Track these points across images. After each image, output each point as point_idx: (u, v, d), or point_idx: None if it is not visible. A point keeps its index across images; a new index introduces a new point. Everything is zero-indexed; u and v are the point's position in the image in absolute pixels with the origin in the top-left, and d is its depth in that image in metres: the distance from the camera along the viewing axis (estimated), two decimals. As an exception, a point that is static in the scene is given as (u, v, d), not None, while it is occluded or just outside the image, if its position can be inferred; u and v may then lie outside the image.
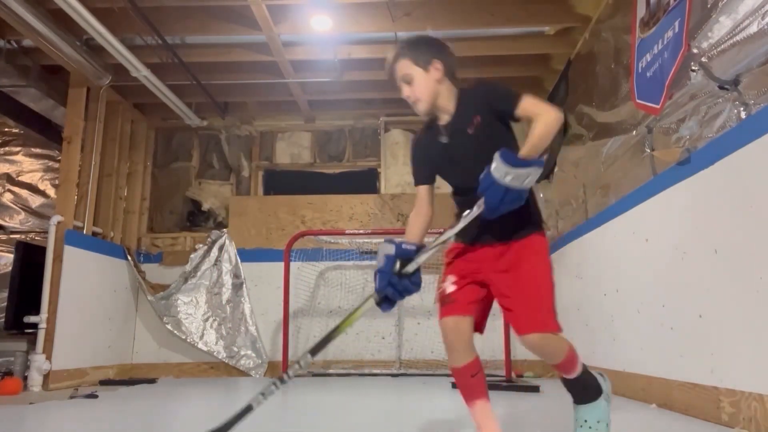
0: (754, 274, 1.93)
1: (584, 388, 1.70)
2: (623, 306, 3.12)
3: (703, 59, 2.25)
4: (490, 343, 4.29)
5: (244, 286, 5.02)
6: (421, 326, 4.78)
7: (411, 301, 4.84)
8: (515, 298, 1.61)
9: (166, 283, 5.03)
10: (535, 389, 3.56)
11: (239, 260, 5.08)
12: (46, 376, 3.78)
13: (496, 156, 1.42)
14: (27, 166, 5.95)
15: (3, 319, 4.34)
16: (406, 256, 1.56)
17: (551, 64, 4.54)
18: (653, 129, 2.79)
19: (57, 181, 4.97)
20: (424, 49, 1.69)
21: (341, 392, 3.62)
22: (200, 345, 4.79)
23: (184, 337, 4.77)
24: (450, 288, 1.65)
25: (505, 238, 1.62)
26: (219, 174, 5.59)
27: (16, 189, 5.89)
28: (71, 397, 3.36)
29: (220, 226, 5.37)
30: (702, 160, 2.27)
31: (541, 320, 1.58)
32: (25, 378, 3.78)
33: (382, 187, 5.43)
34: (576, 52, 4.11)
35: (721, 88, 2.19)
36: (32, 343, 3.91)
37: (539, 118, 1.53)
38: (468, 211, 1.51)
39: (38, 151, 5.95)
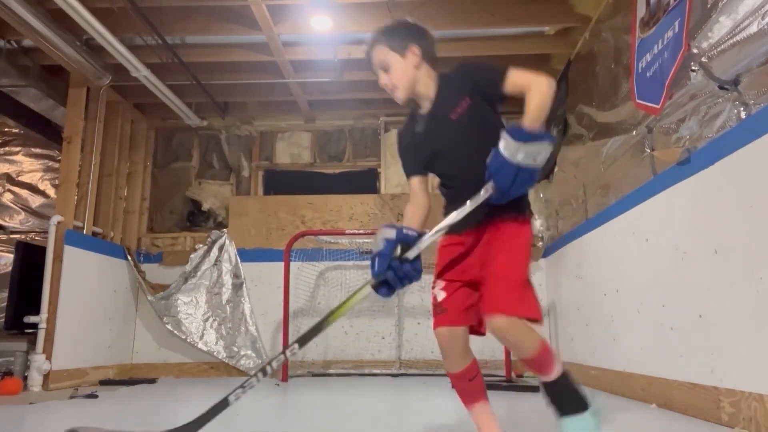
0: (754, 274, 1.93)
1: (566, 396, 1.50)
2: (623, 306, 3.12)
3: (703, 59, 2.25)
4: (490, 343, 4.22)
5: (244, 286, 5.02)
6: (421, 326, 4.78)
7: (411, 301, 4.86)
8: (486, 276, 1.51)
9: (166, 283, 5.03)
10: (535, 389, 3.54)
11: (239, 260, 5.08)
12: (46, 376, 3.78)
13: (504, 133, 1.36)
14: (27, 166, 5.95)
15: (3, 319, 4.34)
16: (407, 240, 1.49)
17: (551, 64, 4.54)
18: (653, 129, 2.79)
19: (57, 181, 4.97)
20: (399, 34, 1.64)
21: (341, 392, 3.62)
22: (200, 345, 4.79)
23: (184, 337, 4.77)
24: (440, 295, 1.59)
25: (488, 219, 1.54)
26: (219, 174, 5.59)
27: (16, 189, 5.89)
28: (71, 397, 3.36)
29: (220, 226, 5.37)
30: (702, 160, 2.27)
31: (509, 301, 1.45)
32: (25, 378, 3.78)
33: (382, 187, 5.43)
34: (576, 52, 4.11)
35: (721, 88, 2.19)
36: (32, 343, 3.91)
37: (531, 89, 1.46)
38: (474, 196, 1.42)
39: (38, 151, 5.95)
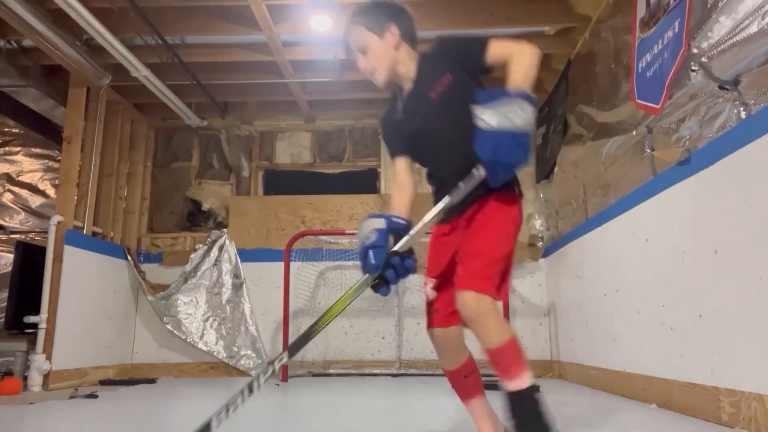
0: (754, 274, 1.93)
1: (528, 418, 1.34)
2: (623, 306, 3.12)
3: (703, 59, 2.25)
4: (490, 343, 4.28)
5: (244, 286, 5.02)
6: (421, 326, 4.69)
7: (411, 300, 4.86)
8: (461, 254, 1.43)
9: (166, 283, 5.03)
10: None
11: (239, 260, 5.08)
12: (46, 376, 3.78)
13: (475, 102, 1.28)
14: (27, 166, 5.95)
15: (3, 319, 4.34)
16: (398, 229, 1.39)
17: (551, 64, 4.54)
18: (653, 129, 2.79)
19: (57, 181, 4.97)
20: (377, 13, 1.57)
21: (341, 392, 3.62)
22: (200, 345, 4.79)
23: (184, 337, 4.77)
24: (431, 294, 1.55)
25: (473, 202, 1.45)
26: (219, 174, 5.59)
27: (16, 189, 5.89)
28: (71, 397, 3.36)
29: (220, 226, 5.37)
30: (702, 160, 2.27)
31: (481, 278, 1.34)
32: (25, 378, 3.78)
33: (382, 187, 5.43)
34: (576, 52, 4.11)
35: (721, 88, 2.19)
36: (32, 343, 3.91)
37: (514, 57, 1.37)
38: (467, 177, 1.32)
39: (38, 151, 5.95)
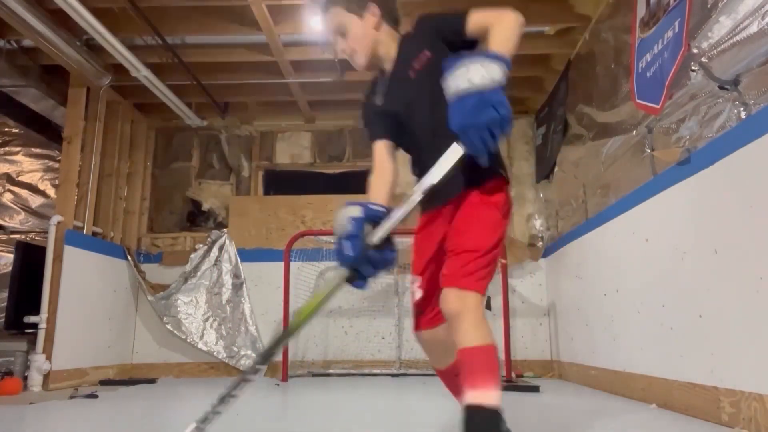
0: (754, 274, 1.93)
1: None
2: (623, 306, 3.12)
3: (703, 59, 2.25)
4: (490, 343, 4.28)
5: (244, 286, 5.02)
6: (421, 326, 4.77)
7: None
8: (447, 249, 1.35)
9: (166, 283, 5.03)
10: (535, 389, 3.56)
11: (239, 260, 5.08)
12: (46, 376, 3.78)
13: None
14: (27, 166, 5.94)
15: (3, 319, 4.33)
16: (376, 218, 1.28)
17: (551, 64, 4.54)
18: (653, 129, 2.79)
19: (57, 181, 4.97)
20: None
21: (341, 392, 3.62)
22: (200, 345, 4.79)
23: (184, 337, 4.78)
24: (417, 294, 1.46)
25: (456, 189, 1.36)
26: (219, 174, 5.59)
27: (16, 189, 5.89)
28: (71, 397, 3.36)
29: (220, 226, 5.37)
30: (702, 160, 2.27)
31: (465, 273, 1.25)
32: (25, 378, 3.78)
33: (382, 187, 5.42)
34: (576, 52, 4.11)
35: (721, 88, 2.19)
36: (32, 343, 3.91)
37: (494, 24, 1.29)
38: (446, 153, 1.21)
39: (38, 151, 5.95)
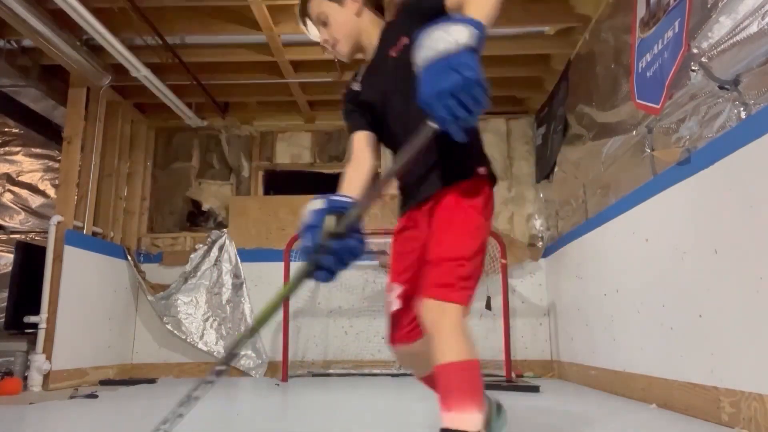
0: (754, 274, 1.93)
1: None
2: (623, 306, 3.12)
3: (703, 59, 2.25)
4: (491, 342, 4.30)
5: (244, 286, 5.03)
6: (421, 326, 4.77)
7: (411, 301, 4.86)
8: (427, 256, 1.26)
9: (166, 283, 5.03)
10: (535, 389, 3.56)
11: (239, 260, 5.08)
12: (46, 376, 3.78)
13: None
14: (27, 166, 5.95)
15: (3, 319, 4.34)
16: (340, 209, 1.20)
17: (551, 64, 4.54)
18: (653, 129, 2.79)
19: (57, 181, 4.97)
20: None
21: (341, 392, 3.62)
22: (200, 345, 4.79)
23: (184, 337, 4.78)
24: (395, 305, 1.36)
25: (431, 188, 1.27)
26: (219, 174, 5.59)
27: (16, 189, 5.89)
28: (71, 397, 3.36)
29: (220, 226, 5.37)
30: (702, 160, 2.27)
31: (445, 284, 1.16)
32: (25, 378, 3.78)
33: (382, 187, 5.42)
34: (576, 52, 4.11)
35: (721, 88, 2.19)
36: (32, 343, 3.91)
37: None
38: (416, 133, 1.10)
39: (38, 151, 5.95)
